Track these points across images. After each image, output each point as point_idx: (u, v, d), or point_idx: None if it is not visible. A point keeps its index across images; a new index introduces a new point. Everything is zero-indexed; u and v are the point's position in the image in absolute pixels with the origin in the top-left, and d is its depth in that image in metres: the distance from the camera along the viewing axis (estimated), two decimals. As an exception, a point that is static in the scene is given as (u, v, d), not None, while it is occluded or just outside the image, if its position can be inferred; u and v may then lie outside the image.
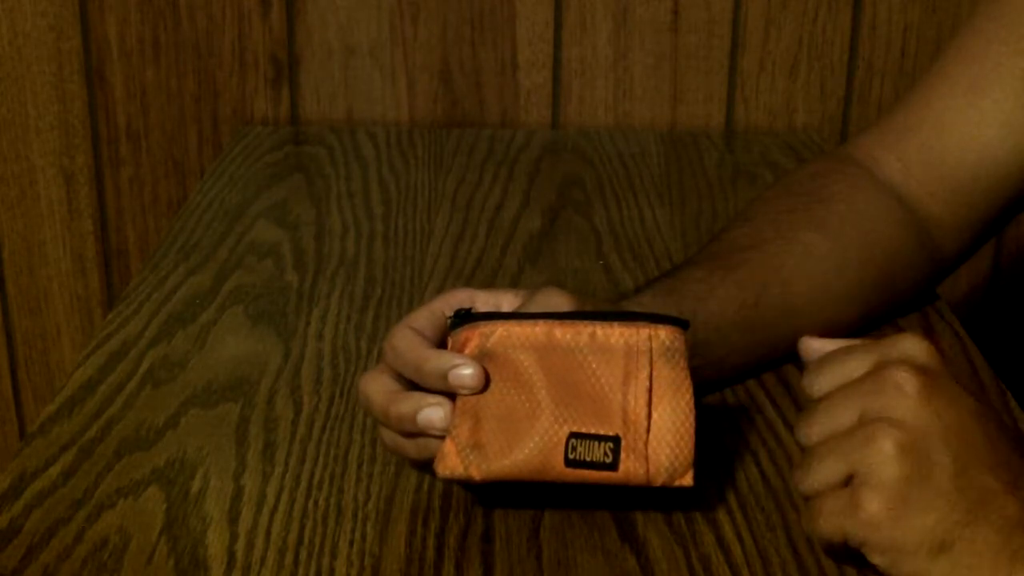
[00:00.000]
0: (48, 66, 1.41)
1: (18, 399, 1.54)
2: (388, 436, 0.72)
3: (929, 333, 0.62)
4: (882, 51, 1.42)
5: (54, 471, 0.76)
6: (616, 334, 0.68)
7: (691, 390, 0.68)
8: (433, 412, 0.69)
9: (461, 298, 0.74)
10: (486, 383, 0.68)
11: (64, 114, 1.43)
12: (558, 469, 0.67)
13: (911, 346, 0.63)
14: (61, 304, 1.50)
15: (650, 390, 0.68)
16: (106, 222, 1.47)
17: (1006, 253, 1.50)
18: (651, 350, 0.68)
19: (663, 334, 0.68)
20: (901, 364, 0.62)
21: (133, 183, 1.46)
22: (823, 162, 0.95)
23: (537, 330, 0.69)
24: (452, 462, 0.68)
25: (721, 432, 0.75)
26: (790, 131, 1.43)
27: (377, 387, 0.71)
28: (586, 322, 0.69)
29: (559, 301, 0.72)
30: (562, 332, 0.69)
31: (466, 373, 0.68)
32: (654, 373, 0.68)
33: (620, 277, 1.04)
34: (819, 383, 0.65)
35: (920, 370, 0.62)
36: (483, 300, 0.74)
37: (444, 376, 0.69)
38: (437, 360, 0.69)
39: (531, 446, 0.67)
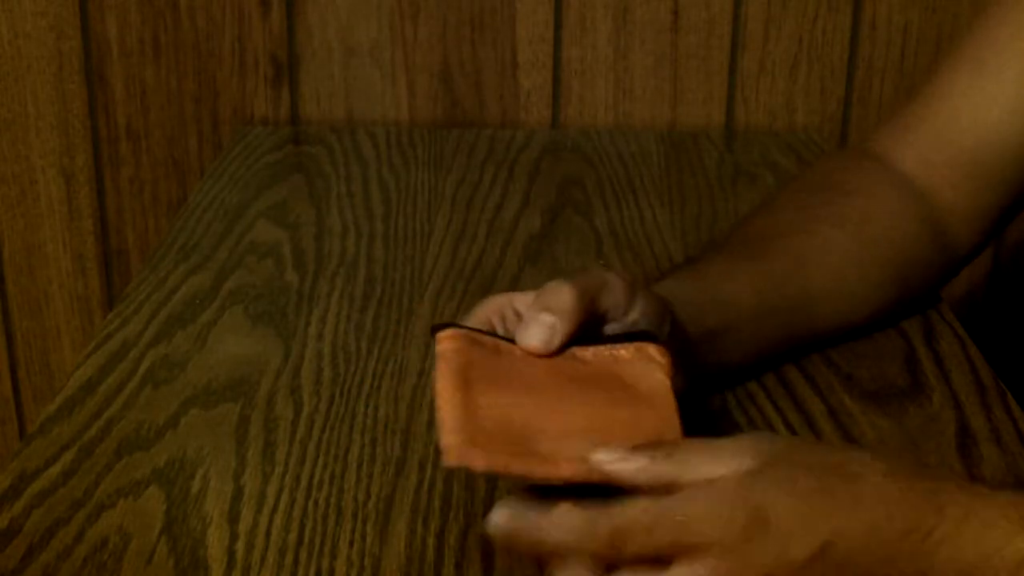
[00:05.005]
0: (48, 66, 1.41)
1: (18, 399, 1.54)
2: None
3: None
4: (882, 51, 1.42)
5: (54, 471, 0.76)
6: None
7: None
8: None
9: (501, 302, 0.73)
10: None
11: (64, 114, 1.43)
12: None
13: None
14: (61, 304, 1.50)
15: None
16: (106, 222, 1.47)
17: (1006, 252, 1.50)
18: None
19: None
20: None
21: (133, 183, 1.46)
22: (844, 157, 0.97)
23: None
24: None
25: (721, 432, 0.75)
26: (790, 131, 1.43)
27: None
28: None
29: (614, 279, 0.71)
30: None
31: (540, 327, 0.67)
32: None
33: (620, 277, 1.04)
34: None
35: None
36: (521, 301, 0.72)
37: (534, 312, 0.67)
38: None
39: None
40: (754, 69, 1.42)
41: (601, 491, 0.70)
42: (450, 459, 0.64)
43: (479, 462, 0.64)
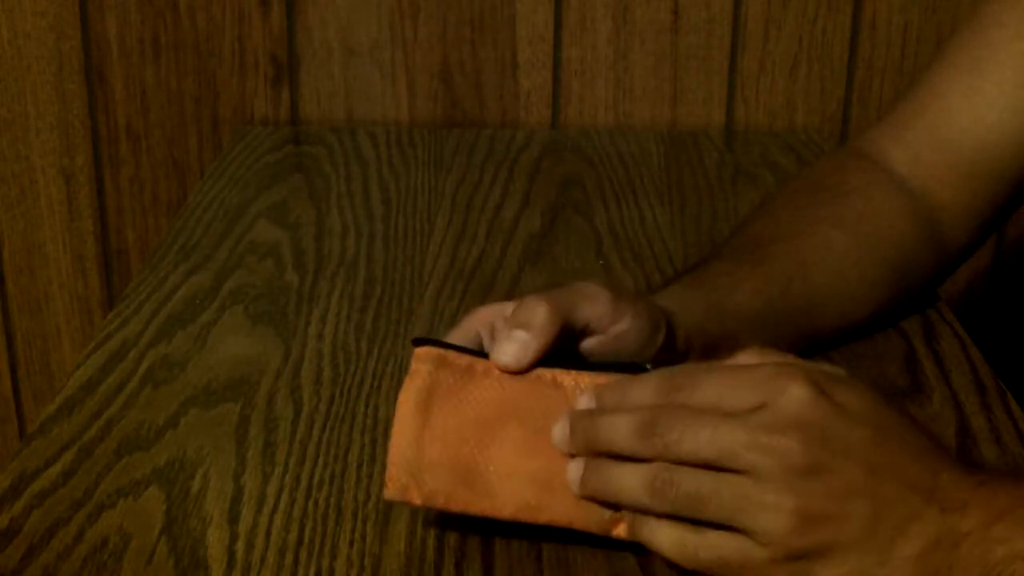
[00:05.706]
0: (48, 66, 1.41)
1: (18, 399, 1.54)
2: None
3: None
4: (882, 51, 1.42)
5: (54, 471, 0.76)
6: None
7: None
8: None
9: (490, 313, 0.73)
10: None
11: (64, 114, 1.43)
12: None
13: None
14: (61, 304, 1.50)
15: None
16: (106, 222, 1.47)
17: (1007, 250, 1.50)
18: None
19: None
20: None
21: (133, 183, 1.46)
22: (839, 157, 0.97)
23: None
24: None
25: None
26: (790, 131, 1.43)
27: None
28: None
29: (596, 291, 0.71)
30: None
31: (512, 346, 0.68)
32: None
33: (620, 277, 1.04)
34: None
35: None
36: (511, 311, 0.72)
37: (511, 326, 0.68)
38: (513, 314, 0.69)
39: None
40: (754, 69, 1.42)
41: None
42: (388, 492, 0.67)
43: (416, 499, 0.67)
